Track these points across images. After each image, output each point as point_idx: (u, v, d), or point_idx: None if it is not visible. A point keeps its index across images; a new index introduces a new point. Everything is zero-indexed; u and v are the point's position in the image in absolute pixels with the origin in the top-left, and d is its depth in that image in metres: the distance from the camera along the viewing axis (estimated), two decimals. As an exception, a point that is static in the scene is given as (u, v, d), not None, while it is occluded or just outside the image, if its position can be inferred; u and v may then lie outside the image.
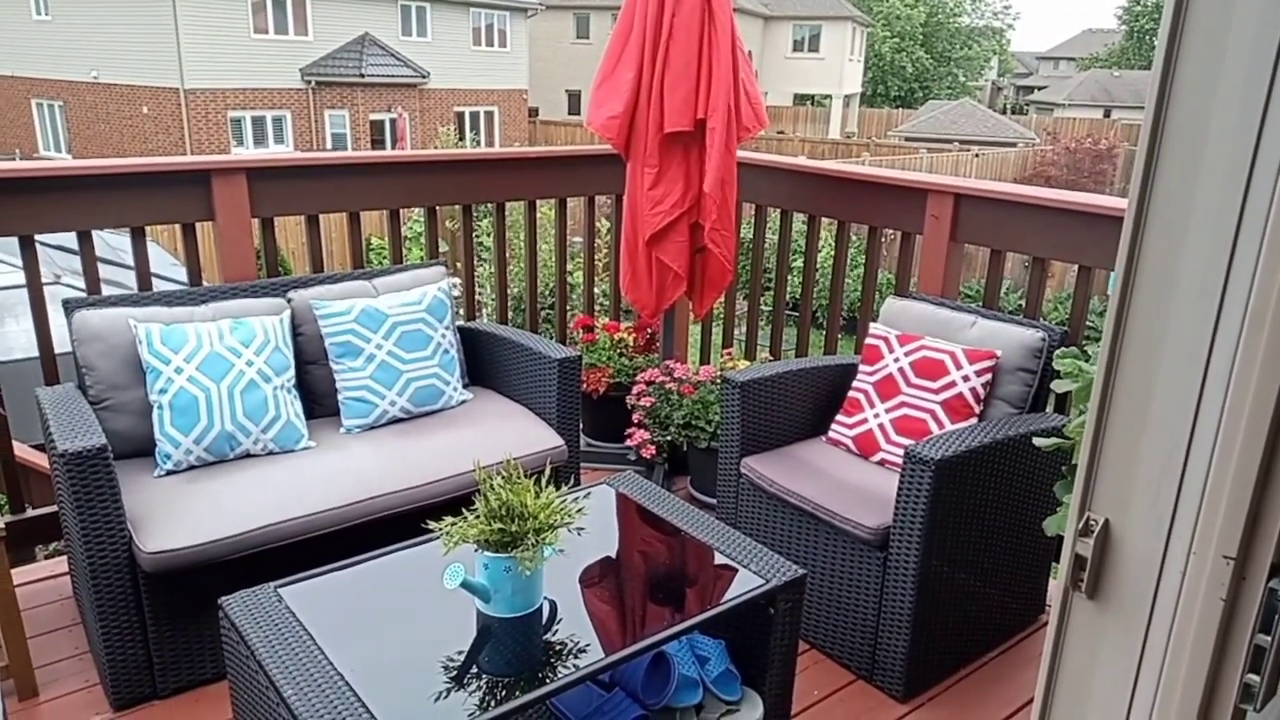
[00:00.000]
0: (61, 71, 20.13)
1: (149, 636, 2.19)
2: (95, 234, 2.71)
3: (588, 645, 1.73)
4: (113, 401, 2.41)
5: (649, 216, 3.08)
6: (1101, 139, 21.63)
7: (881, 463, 2.60)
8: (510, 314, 4.85)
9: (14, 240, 2.61)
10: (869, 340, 2.77)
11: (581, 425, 3.63)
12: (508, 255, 3.65)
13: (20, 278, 2.68)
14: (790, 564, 1.98)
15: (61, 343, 2.55)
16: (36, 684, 2.26)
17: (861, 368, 2.75)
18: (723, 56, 2.96)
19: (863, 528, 2.30)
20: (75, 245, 2.72)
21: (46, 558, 3.07)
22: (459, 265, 3.46)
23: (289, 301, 2.70)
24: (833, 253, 3.54)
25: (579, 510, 1.83)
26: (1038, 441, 1.89)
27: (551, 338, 3.31)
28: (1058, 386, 1.87)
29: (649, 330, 3.71)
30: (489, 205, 3.57)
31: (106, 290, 2.67)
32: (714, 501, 2.92)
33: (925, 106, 31.15)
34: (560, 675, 1.65)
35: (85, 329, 2.41)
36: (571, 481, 2.83)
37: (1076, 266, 2.79)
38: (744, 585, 1.92)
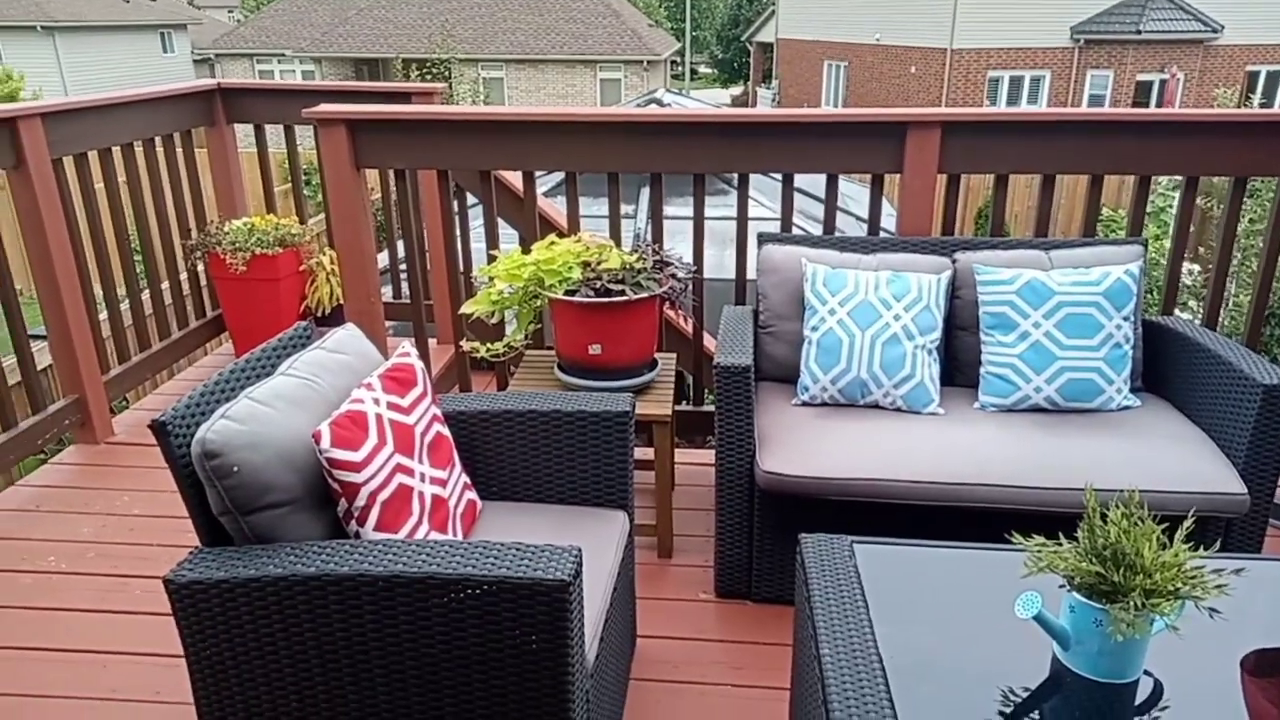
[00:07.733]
0: (850, 35, 22.73)
1: (753, 543, 2.41)
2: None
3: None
4: (775, 329, 2.66)
5: None
6: None
7: None
8: (1222, 317, 3.93)
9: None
10: None
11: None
12: (1236, 248, 2.89)
13: (763, 212, 3.09)
14: None
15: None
16: (672, 548, 2.69)
17: None
18: None
19: None
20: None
21: (711, 448, 3.60)
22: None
23: (954, 262, 2.60)
24: None
25: (1219, 586, 1.38)
26: None
27: (1275, 358, 2.56)
28: None
29: None
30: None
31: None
32: None
33: None
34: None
35: (767, 261, 2.68)
36: (1225, 542, 2.19)
37: None
38: None
